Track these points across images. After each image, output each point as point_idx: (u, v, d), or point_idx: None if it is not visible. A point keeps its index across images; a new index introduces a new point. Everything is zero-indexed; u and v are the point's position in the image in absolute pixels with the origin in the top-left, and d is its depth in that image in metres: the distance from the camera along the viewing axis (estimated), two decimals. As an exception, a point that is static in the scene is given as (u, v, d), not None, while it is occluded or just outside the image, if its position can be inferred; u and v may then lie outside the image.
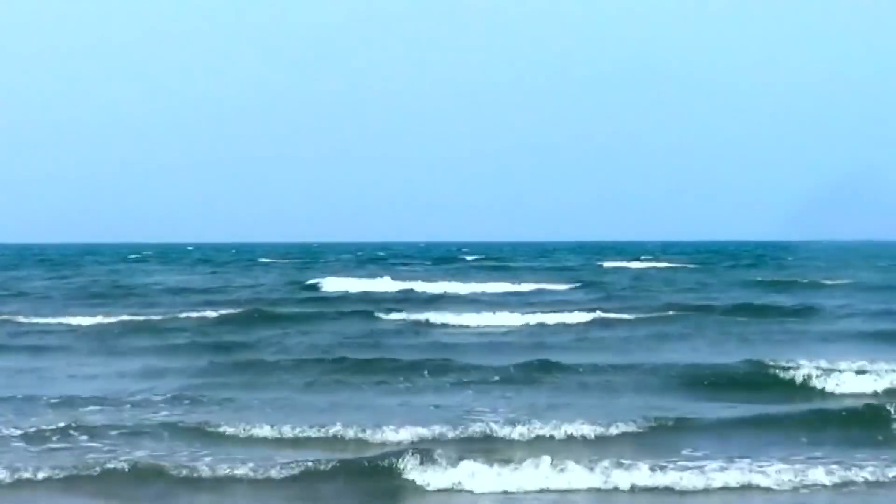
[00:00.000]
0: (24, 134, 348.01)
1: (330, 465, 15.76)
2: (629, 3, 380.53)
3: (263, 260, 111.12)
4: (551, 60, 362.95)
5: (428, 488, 15.30)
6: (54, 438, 17.57)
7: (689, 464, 15.85)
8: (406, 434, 17.77)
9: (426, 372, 24.62)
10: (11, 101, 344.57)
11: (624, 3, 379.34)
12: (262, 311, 39.56)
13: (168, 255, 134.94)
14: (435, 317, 38.32)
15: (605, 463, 15.56)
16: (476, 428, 18.27)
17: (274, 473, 15.48)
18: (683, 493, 15.10)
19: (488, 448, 17.13)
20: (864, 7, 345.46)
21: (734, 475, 15.42)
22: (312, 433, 18.04)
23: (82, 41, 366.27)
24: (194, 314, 39.35)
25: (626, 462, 15.58)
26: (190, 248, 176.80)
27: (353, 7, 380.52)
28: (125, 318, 37.91)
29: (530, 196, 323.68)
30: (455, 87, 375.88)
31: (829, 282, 58.30)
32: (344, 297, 49.75)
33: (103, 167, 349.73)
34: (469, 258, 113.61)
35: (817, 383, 23.28)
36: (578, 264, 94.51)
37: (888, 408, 19.31)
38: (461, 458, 15.60)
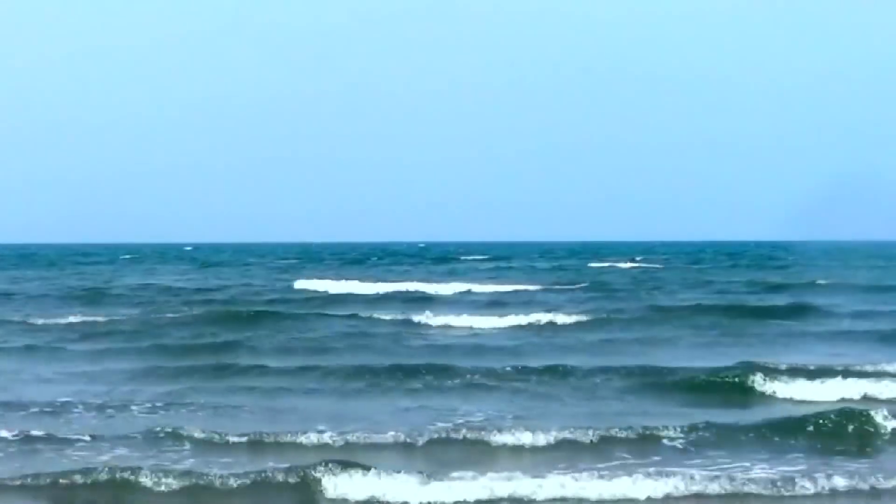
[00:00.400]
0: (24, 135, 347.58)
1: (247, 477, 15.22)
2: (628, 5, 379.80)
3: (251, 260, 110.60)
4: (551, 62, 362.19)
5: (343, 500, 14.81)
6: (11, 444, 17.18)
7: (670, 469, 15.51)
8: (366, 438, 17.39)
9: (400, 375, 24.25)
10: (13, 102, 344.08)
11: (623, 5, 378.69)
12: (236, 312, 39.05)
13: (165, 255, 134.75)
14: (419, 318, 37.86)
15: (558, 470, 15.21)
16: (440, 434, 17.81)
17: (200, 482, 15.04)
18: (653, 501, 14.69)
19: (446, 453, 16.78)
20: (864, 8, 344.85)
21: (710, 483, 15.03)
22: (266, 439, 17.55)
23: (83, 43, 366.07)
24: (168, 314, 39.05)
25: (583, 468, 15.26)
26: (188, 248, 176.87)
27: (354, 9, 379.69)
28: (86, 319, 37.48)
29: (534, 197, 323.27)
30: (454, 90, 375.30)
31: (824, 282, 57.85)
32: (325, 298, 49.29)
33: (107, 168, 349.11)
34: (468, 258, 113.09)
35: (787, 388, 22.76)
36: (569, 265, 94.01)
37: (868, 413, 18.82)
38: (381, 469, 15.07)
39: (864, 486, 15.06)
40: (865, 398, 21.77)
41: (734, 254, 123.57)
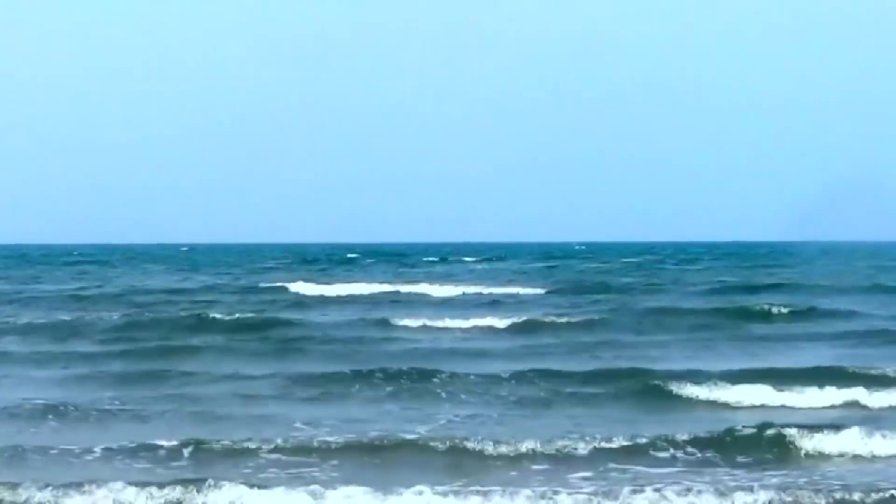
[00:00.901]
0: (25, 135, 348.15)
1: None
2: (627, 6, 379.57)
3: (237, 261, 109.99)
4: (550, 64, 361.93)
5: None
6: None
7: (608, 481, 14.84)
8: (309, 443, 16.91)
9: (366, 380, 23.69)
10: (14, 101, 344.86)
11: (622, 6, 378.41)
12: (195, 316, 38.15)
13: (157, 255, 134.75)
14: (393, 320, 37.26)
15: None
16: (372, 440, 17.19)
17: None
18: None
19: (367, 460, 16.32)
20: (864, 11, 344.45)
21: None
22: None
23: (79, 44, 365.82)
24: (115, 315, 38.51)
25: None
26: (184, 249, 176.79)
27: (349, 11, 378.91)
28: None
29: (535, 199, 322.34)
30: (458, 91, 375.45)
31: (810, 283, 57.10)
32: (294, 300, 48.58)
33: (112, 168, 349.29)
34: (460, 259, 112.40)
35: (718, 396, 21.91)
36: (559, 266, 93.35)
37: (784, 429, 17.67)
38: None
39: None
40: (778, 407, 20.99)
41: (732, 255, 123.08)
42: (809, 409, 20.86)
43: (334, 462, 16.15)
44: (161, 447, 16.73)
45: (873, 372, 23.93)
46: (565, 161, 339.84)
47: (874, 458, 16.78)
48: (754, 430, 17.59)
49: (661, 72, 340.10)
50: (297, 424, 18.70)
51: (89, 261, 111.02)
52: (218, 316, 37.64)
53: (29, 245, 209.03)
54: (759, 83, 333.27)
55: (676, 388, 22.34)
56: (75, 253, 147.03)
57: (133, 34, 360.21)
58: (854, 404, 21.14)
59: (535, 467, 16.08)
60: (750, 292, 51.13)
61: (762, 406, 21.16)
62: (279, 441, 16.91)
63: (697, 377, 23.13)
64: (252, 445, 16.68)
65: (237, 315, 38.30)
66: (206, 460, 16.26)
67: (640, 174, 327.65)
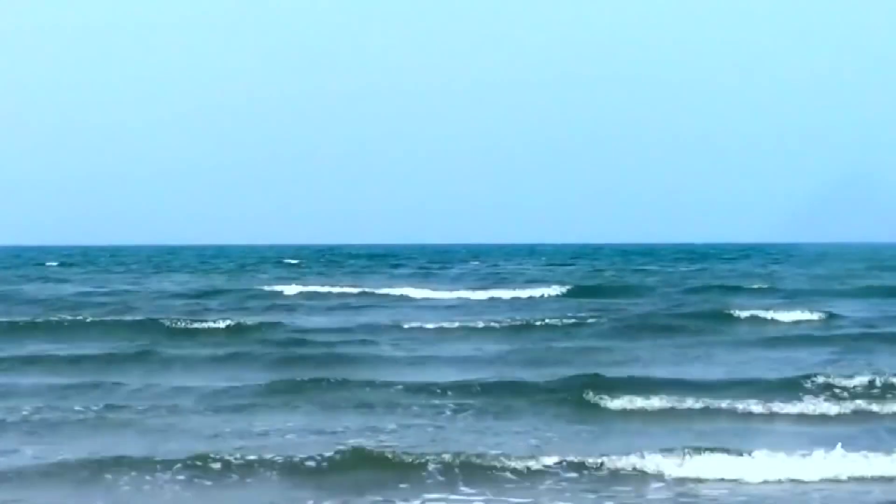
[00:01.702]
0: (24, 135, 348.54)
1: None
2: (625, 4, 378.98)
3: (216, 262, 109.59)
4: (548, 63, 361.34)
5: None
6: None
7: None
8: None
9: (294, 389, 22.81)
10: (12, 101, 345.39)
11: (619, 4, 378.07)
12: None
13: (147, 256, 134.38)
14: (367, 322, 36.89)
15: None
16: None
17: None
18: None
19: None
20: (863, 9, 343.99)
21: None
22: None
23: (77, 43, 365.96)
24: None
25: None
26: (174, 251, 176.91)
27: (338, 11, 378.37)
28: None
29: (547, 197, 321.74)
30: (463, 87, 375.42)
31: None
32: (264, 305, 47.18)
33: (113, 168, 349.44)
34: (461, 262, 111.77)
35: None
36: (555, 266, 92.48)
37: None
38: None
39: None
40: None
41: (730, 257, 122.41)
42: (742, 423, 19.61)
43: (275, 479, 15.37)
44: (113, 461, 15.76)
45: (819, 380, 22.70)
46: (565, 161, 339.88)
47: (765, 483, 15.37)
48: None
49: (661, 72, 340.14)
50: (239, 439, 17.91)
51: (73, 262, 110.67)
52: (184, 324, 36.33)
53: (26, 247, 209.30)
54: (756, 82, 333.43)
55: (609, 401, 21.22)
56: (65, 254, 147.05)
57: (129, 35, 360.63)
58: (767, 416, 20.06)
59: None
60: (738, 295, 50.14)
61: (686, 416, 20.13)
62: (227, 456, 15.89)
63: (641, 387, 22.13)
64: (210, 459, 15.69)
65: (201, 320, 37.14)
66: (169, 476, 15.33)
67: (639, 175, 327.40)
